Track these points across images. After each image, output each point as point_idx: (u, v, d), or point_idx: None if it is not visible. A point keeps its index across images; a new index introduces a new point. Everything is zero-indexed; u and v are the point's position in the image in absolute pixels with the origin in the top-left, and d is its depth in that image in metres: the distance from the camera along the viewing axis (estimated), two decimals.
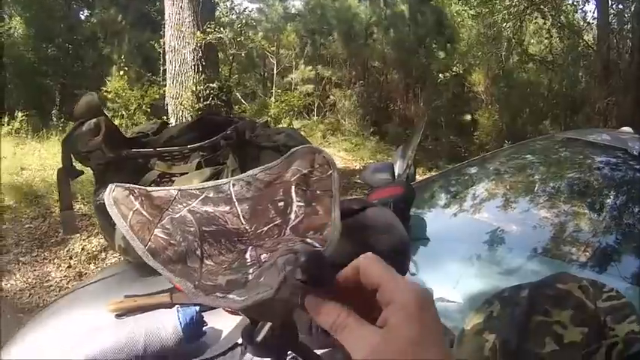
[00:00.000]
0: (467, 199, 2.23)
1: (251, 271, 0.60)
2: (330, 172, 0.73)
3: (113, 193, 0.67)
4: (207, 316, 1.24)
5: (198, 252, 0.64)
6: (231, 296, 0.55)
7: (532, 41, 11.54)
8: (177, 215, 0.68)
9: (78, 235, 4.65)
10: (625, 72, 10.12)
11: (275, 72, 10.26)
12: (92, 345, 1.15)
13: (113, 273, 1.70)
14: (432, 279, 1.55)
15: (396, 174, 1.95)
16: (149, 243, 0.62)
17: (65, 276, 4.23)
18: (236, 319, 1.21)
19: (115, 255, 4.32)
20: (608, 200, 1.96)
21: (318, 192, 0.71)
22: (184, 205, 0.71)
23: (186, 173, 1.60)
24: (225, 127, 1.66)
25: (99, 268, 4.29)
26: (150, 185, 1.54)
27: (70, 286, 3.91)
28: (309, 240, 0.62)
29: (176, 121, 7.06)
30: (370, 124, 10.28)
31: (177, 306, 1.25)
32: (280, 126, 7.61)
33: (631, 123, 2.59)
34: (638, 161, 2.09)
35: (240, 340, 1.10)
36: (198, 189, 0.74)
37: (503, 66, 10.58)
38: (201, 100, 7.34)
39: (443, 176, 2.76)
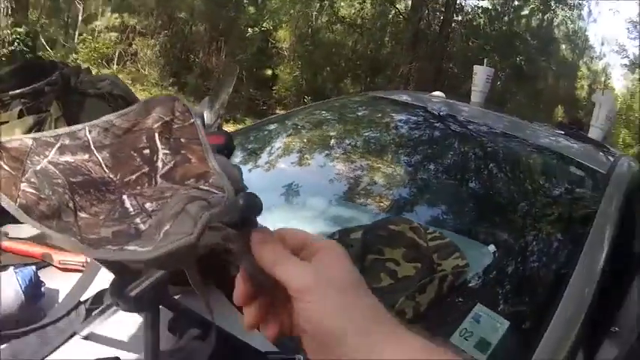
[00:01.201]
0: (267, 154, 2.27)
1: (138, 220, 0.58)
2: (192, 120, 0.72)
3: None
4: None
5: (71, 205, 0.60)
6: (130, 248, 0.53)
7: (343, 4, 11.94)
8: (39, 167, 0.63)
9: None
10: (433, 42, 11.03)
11: (80, 18, 9.41)
12: None
13: None
14: None
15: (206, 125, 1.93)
16: (19, 199, 0.57)
17: None
18: (70, 278, 1.15)
19: None
20: (404, 157, 2.11)
21: (182, 140, 0.70)
22: (42, 156, 0.65)
23: (7, 122, 1.49)
24: (49, 72, 1.57)
25: None
26: None
27: None
28: (203, 187, 0.61)
29: None
30: (170, 74, 9.98)
31: (12, 267, 1.15)
32: None
33: (433, 87, 2.83)
34: (436, 118, 2.28)
35: (82, 298, 1.07)
36: (52, 136, 0.69)
37: (311, 25, 10.84)
38: (7, 45, 6.71)
39: (253, 129, 2.74)
